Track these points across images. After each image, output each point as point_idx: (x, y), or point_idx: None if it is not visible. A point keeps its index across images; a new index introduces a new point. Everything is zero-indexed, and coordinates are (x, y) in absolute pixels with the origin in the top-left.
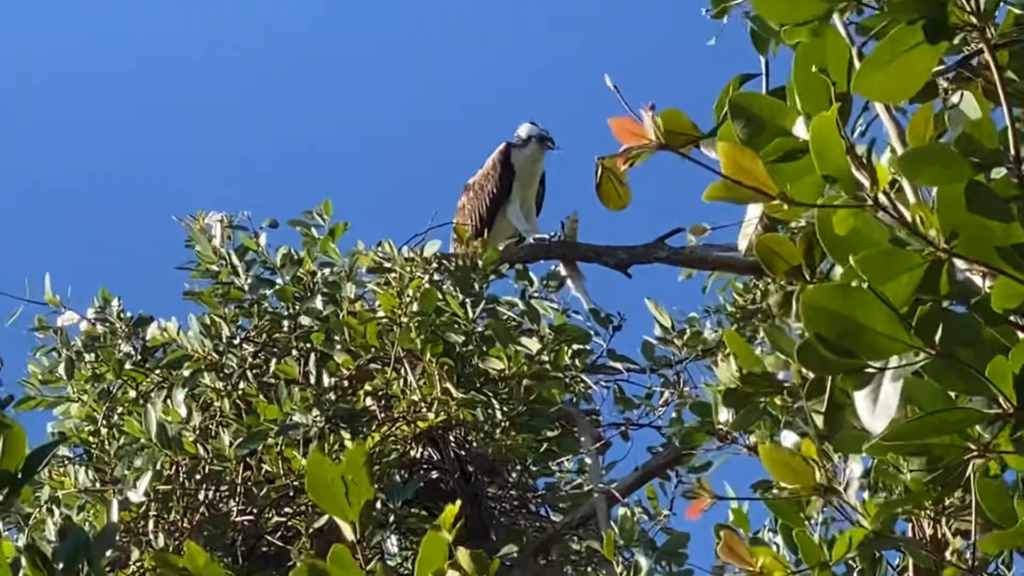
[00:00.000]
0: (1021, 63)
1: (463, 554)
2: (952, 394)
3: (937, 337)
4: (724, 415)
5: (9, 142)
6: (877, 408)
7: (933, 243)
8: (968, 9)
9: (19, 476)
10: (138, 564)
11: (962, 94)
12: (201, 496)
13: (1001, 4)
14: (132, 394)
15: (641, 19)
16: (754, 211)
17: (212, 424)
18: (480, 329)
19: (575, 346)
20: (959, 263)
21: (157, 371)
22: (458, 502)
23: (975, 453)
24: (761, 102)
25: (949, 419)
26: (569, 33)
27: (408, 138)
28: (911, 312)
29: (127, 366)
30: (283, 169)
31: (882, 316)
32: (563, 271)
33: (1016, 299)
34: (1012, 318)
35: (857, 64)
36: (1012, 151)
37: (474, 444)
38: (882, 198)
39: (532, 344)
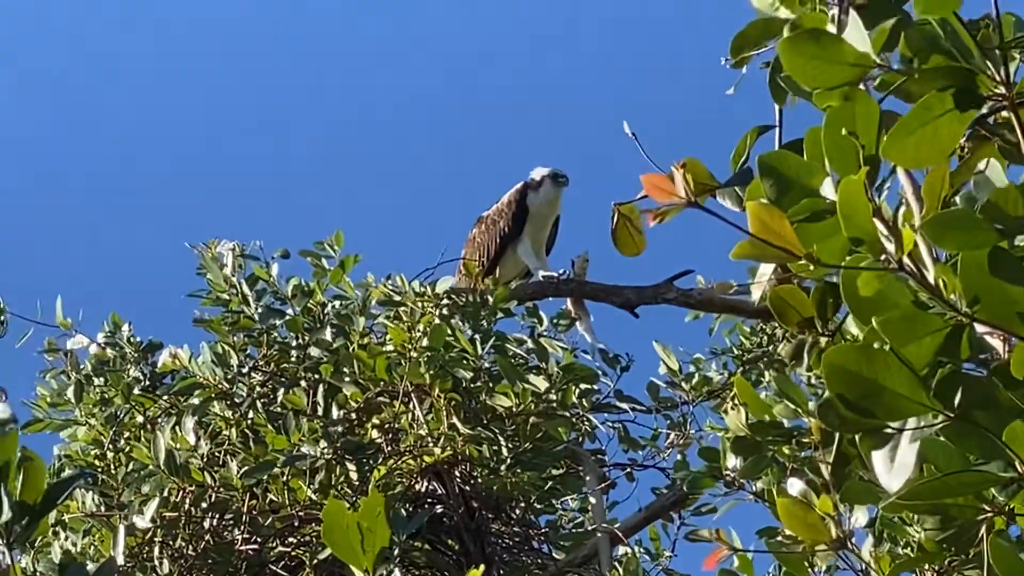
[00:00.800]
0: None
1: None
2: (969, 456)
3: (956, 400)
4: (732, 461)
5: (22, 163)
6: (895, 467)
7: (955, 307)
8: (998, 79)
9: (39, 508)
10: None
11: (988, 161)
12: (206, 524)
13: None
14: (139, 419)
15: (659, 67)
16: (768, 266)
17: (220, 452)
18: (488, 366)
19: (582, 385)
20: (980, 328)
21: (165, 398)
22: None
23: (990, 515)
24: (789, 161)
25: (965, 481)
26: (587, 75)
27: (417, 171)
28: (931, 375)
29: (135, 391)
30: (295, 200)
31: (903, 378)
32: (570, 309)
33: None
34: None
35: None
36: None
37: (479, 480)
38: (907, 261)
39: (540, 382)
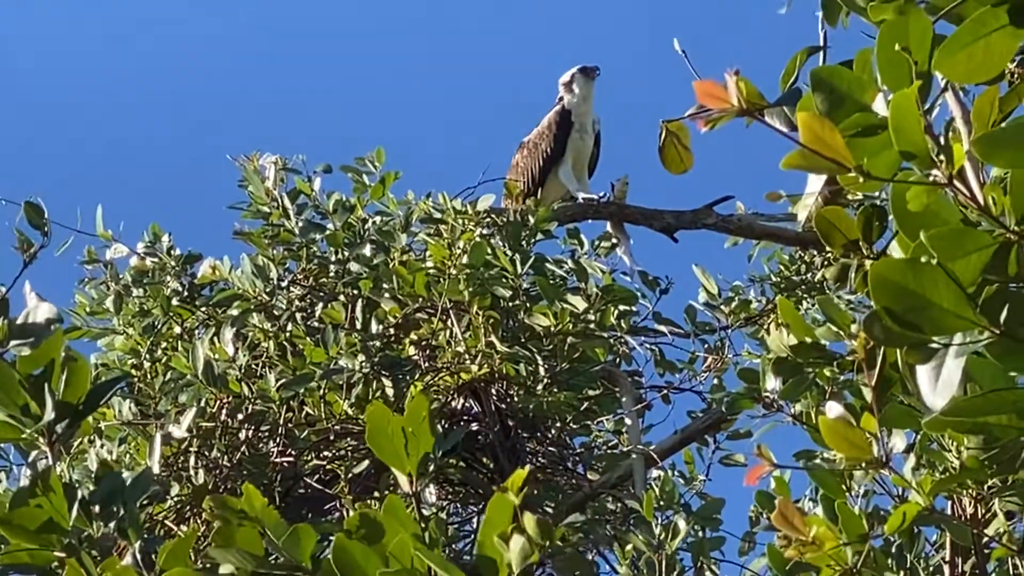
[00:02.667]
0: None
1: (529, 519)
2: (1013, 375)
3: (1002, 317)
4: (772, 383)
5: (72, 75)
6: (939, 384)
7: (1004, 225)
8: None
9: (81, 408)
10: (177, 499)
11: None
12: (242, 435)
13: None
14: (177, 330)
15: None
16: (815, 184)
17: (257, 364)
18: (527, 285)
19: (621, 307)
20: None
21: (204, 309)
22: (527, 467)
23: None
24: (843, 76)
25: (1009, 399)
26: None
27: (462, 92)
28: (978, 292)
29: (174, 303)
30: (338, 118)
31: (949, 293)
32: (610, 231)
33: None
34: None
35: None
36: None
37: (515, 399)
38: (956, 178)
39: (578, 302)
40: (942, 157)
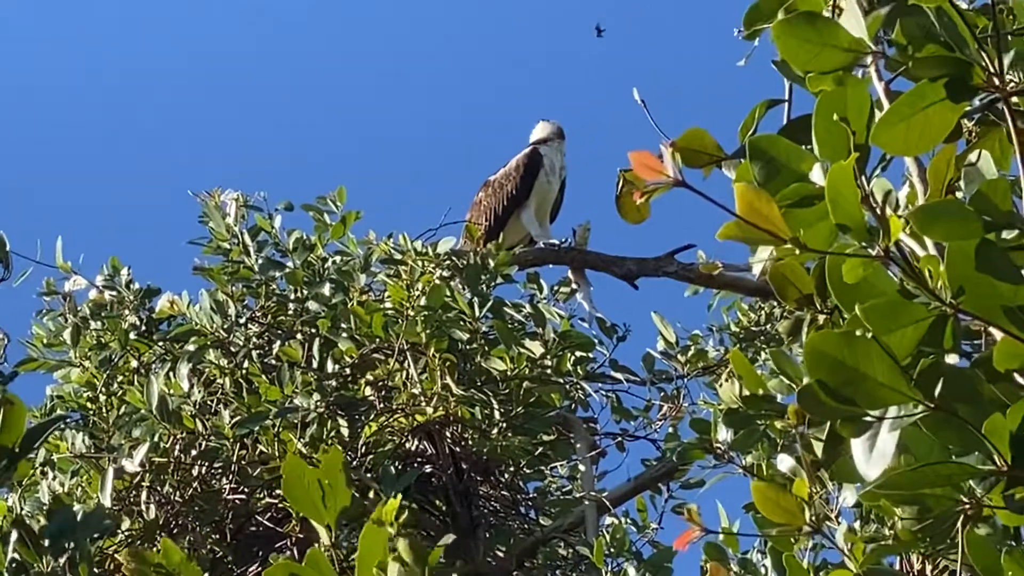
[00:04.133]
0: None
1: (403, 545)
2: (948, 447)
3: (937, 391)
4: (723, 434)
5: (27, 107)
6: (873, 455)
7: (940, 298)
8: (991, 71)
9: (17, 451)
10: (128, 533)
11: (980, 152)
12: (195, 471)
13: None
14: (134, 364)
15: (672, 32)
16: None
17: (213, 401)
18: (485, 328)
19: (578, 353)
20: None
21: (161, 344)
22: (398, 497)
23: (967, 507)
24: (779, 145)
25: (943, 472)
26: (598, 41)
27: (423, 133)
28: (913, 364)
29: (132, 336)
30: (301, 157)
31: (884, 366)
32: (571, 277)
33: (1019, 359)
34: (1014, 377)
35: (885, 103)
36: None
37: (469, 442)
38: (893, 250)
39: (536, 347)
40: (879, 228)
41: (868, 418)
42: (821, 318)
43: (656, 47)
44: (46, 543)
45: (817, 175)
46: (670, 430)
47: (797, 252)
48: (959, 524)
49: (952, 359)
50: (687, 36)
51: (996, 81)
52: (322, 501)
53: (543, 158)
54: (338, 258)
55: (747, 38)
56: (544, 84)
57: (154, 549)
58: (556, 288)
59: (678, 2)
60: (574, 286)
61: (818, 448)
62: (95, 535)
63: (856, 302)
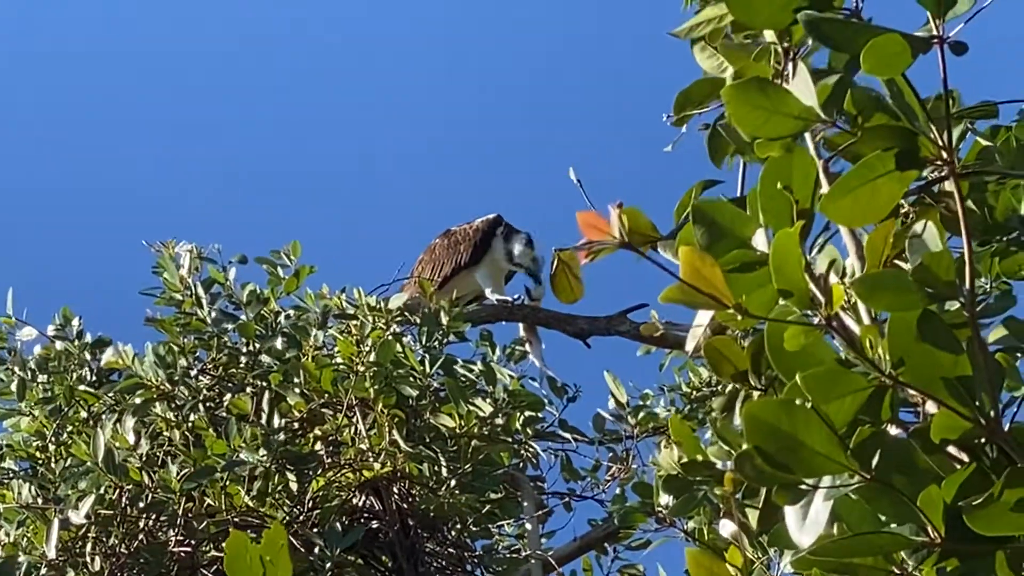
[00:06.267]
0: (980, 195)
1: None
2: (882, 517)
3: (874, 461)
4: (665, 499)
5: None
6: (806, 523)
7: (880, 368)
8: (939, 143)
9: None
10: None
11: (925, 224)
12: (141, 523)
13: (967, 135)
14: (83, 414)
15: (606, 115)
16: (705, 315)
17: (160, 453)
18: (435, 385)
19: (528, 412)
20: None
21: (110, 395)
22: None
23: None
24: (723, 210)
25: (876, 542)
26: (538, 123)
27: (370, 182)
28: (850, 433)
29: (81, 387)
30: (255, 209)
31: (822, 435)
32: (522, 335)
33: (956, 431)
34: (950, 449)
35: (823, 182)
36: (967, 283)
37: (417, 498)
38: (834, 319)
39: (485, 406)
40: (821, 298)
41: (804, 486)
42: (755, 394)
43: (592, 130)
44: None
45: (760, 240)
46: (618, 491)
47: (739, 318)
48: None
49: (890, 430)
50: (625, 118)
51: (945, 155)
52: None
53: (499, 244)
54: (292, 312)
55: (676, 124)
56: (483, 159)
57: None
58: (510, 349)
59: (617, 89)
60: (526, 344)
61: (753, 515)
62: None
63: (796, 370)
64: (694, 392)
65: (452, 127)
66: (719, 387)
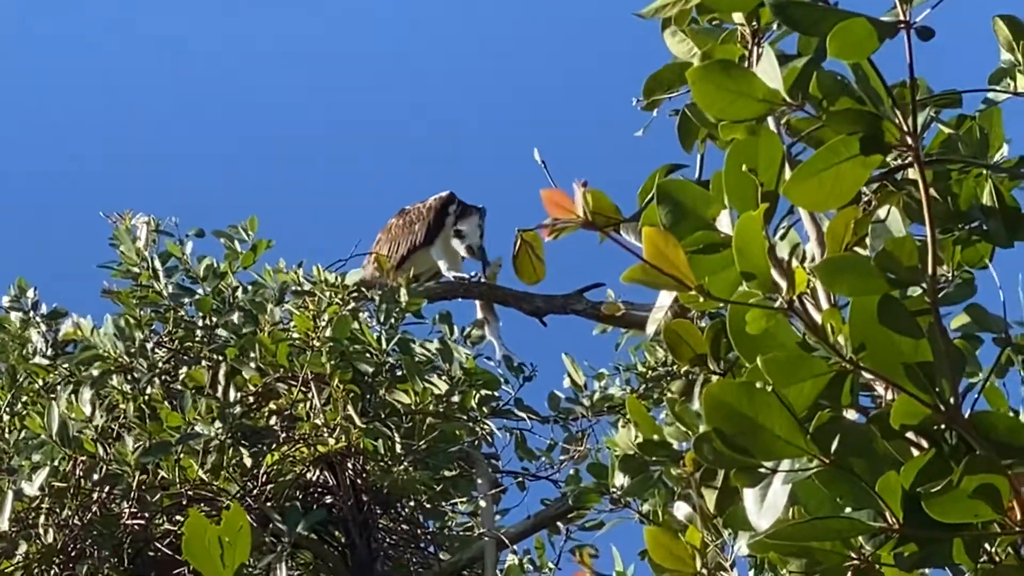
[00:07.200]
0: (942, 184)
1: None
2: (840, 502)
3: (833, 446)
4: (620, 479)
5: None
6: (764, 506)
7: (841, 353)
8: (904, 129)
9: None
10: (25, 556)
11: (888, 210)
12: (95, 495)
13: (932, 124)
14: (38, 385)
15: (576, 100)
16: (665, 298)
17: (115, 425)
18: (392, 362)
19: (483, 391)
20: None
21: (65, 366)
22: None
23: (855, 562)
24: (688, 190)
25: (834, 527)
26: (504, 108)
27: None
28: (810, 417)
29: (36, 359)
30: (214, 182)
31: (782, 419)
32: (479, 312)
33: (915, 417)
34: (909, 435)
35: (787, 167)
36: (930, 269)
37: (371, 474)
38: (796, 303)
39: (441, 383)
40: (783, 281)
41: (763, 469)
42: (714, 379)
43: (560, 114)
44: None
45: (723, 222)
46: (572, 471)
47: (701, 299)
48: None
49: (850, 414)
50: (590, 101)
51: (909, 140)
52: (220, 559)
53: (452, 222)
54: (251, 287)
55: (645, 109)
56: (448, 138)
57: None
58: (468, 331)
59: (586, 72)
60: (484, 321)
61: (711, 497)
62: None
63: (757, 353)
64: (650, 372)
65: (414, 104)
66: (675, 367)
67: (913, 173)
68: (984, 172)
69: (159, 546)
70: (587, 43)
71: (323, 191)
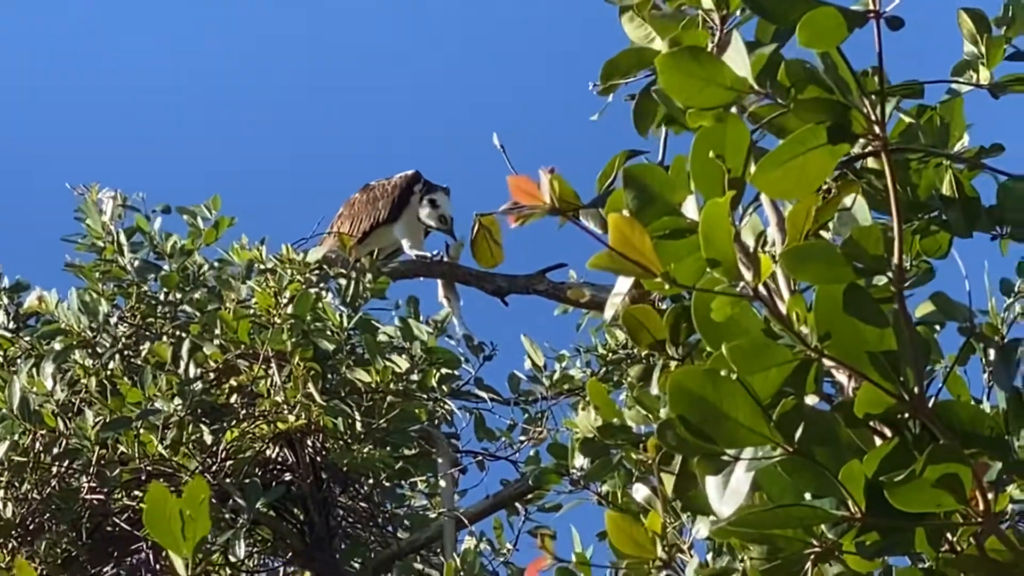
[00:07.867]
0: (902, 174)
1: None
2: (803, 490)
3: (796, 434)
4: (580, 461)
5: None
6: (727, 493)
7: (805, 341)
8: (872, 118)
9: None
10: None
11: (855, 198)
12: (54, 470)
13: (893, 113)
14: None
15: (535, 84)
16: (624, 284)
17: (76, 400)
18: (353, 340)
19: (444, 370)
20: (828, 362)
21: (27, 340)
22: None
23: (817, 550)
24: (654, 174)
25: (796, 514)
26: (467, 92)
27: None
28: (774, 405)
29: None
30: (176, 159)
31: (745, 407)
32: (441, 292)
33: (879, 406)
34: (873, 423)
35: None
36: (896, 258)
37: (330, 452)
38: (762, 290)
39: (401, 362)
40: (749, 267)
41: (726, 457)
42: (673, 364)
43: (519, 99)
44: None
45: (689, 208)
46: (531, 452)
47: (666, 286)
48: (808, 566)
49: (812, 401)
50: (549, 89)
51: (877, 129)
52: (181, 532)
53: (417, 200)
54: (217, 264)
55: (602, 93)
56: (407, 124)
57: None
58: (434, 323)
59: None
60: (444, 300)
61: (669, 481)
62: None
63: (722, 340)
64: (610, 354)
65: (377, 83)
66: (635, 350)
67: (873, 162)
68: (944, 162)
69: (118, 521)
70: (543, 27)
71: (287, 171)
